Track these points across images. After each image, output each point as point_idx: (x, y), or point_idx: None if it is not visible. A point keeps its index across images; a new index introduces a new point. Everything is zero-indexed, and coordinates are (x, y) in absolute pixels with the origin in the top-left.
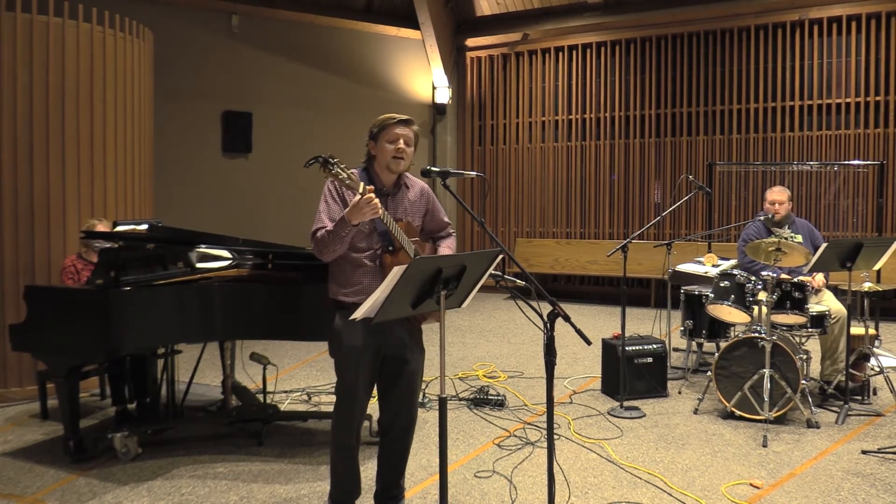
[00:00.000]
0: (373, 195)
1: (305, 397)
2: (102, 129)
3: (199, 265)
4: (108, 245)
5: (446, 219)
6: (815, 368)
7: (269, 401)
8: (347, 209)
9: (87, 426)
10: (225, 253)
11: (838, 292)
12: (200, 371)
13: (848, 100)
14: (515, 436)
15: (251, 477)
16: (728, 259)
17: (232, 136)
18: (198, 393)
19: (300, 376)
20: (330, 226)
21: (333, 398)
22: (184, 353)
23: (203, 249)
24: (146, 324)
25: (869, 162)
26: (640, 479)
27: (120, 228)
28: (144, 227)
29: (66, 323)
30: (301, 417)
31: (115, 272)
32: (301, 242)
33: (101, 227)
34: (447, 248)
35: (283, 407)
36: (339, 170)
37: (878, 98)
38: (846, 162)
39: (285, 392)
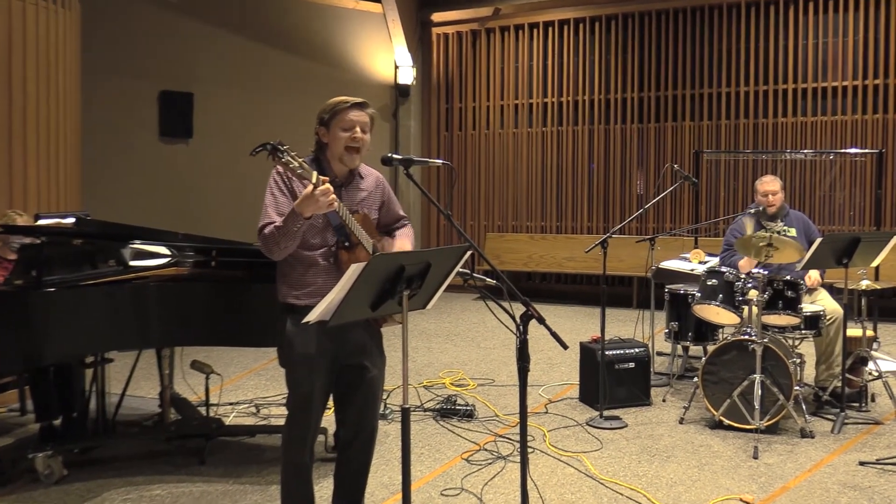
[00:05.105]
0: (329, 185)
1: (253, 410)
2: (22, 109)
3: (132, 263)
4: (28, 241)
5: (402, 212)
6: (809, 373)
7: (212, 414)
8: (298, 200)
9: (4, 445)
10: (162, 249)
11: (834, 291)
12: (134, 382)
13: (845, 83)
14: (486, 449)
15: (192, 499)
16: (716, 255)
17: (170, 119)
18: (132, 406)
19: (247, 386)
20: (279, 220)
21: (284, 411)
22: (116, 361)
23: (137, 246)
24: (72, 329)
25: (867, 150)
26: (622, 494)
27: (42, 222)
28: (70, 220)
29: None
30: (248, 432)
31: (36, 271)
32: (248, 237)
33: (22, 221)
34: (406, 237)
35: (227, 421)
36: (289, 158)
37: (877, 81)
38: (843, 150)
39: (231, 404)
